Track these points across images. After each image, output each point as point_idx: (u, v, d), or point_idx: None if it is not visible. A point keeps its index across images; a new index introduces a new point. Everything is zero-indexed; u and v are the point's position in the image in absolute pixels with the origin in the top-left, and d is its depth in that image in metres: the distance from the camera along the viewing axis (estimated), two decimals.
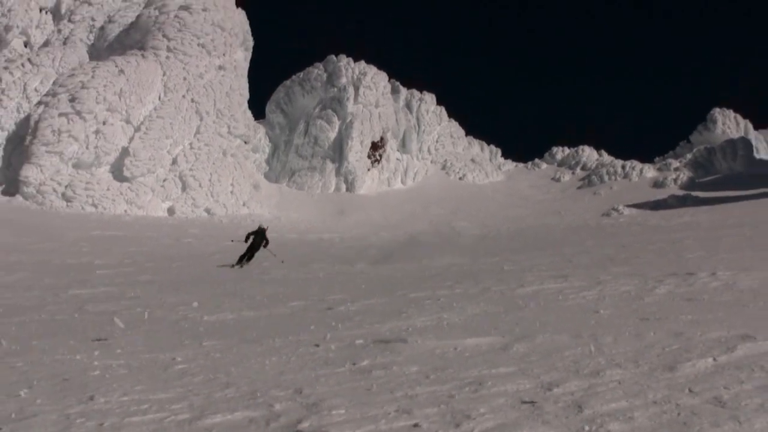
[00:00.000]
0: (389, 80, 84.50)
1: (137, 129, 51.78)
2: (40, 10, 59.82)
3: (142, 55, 55.16)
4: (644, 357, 6.51)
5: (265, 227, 22.50)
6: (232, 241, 25.77)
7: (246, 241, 21.76)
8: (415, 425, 4.56)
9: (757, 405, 4.73)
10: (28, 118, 49.52)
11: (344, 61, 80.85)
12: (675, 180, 77.54)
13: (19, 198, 44.65)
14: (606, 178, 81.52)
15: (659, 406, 4.82)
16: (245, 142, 62.95)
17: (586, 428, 4.40)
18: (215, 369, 6.77)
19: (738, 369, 5.85)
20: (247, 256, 21.18)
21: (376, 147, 77.86)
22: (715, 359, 6.24)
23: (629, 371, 5.96)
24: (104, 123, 49.88)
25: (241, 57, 64.34)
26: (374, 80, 79.47)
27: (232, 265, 21.18)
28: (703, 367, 6.01)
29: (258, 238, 21.39)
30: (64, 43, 58.04)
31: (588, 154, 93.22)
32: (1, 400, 5.58)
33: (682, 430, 4.30)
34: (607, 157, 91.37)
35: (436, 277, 17.09)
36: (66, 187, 46.31)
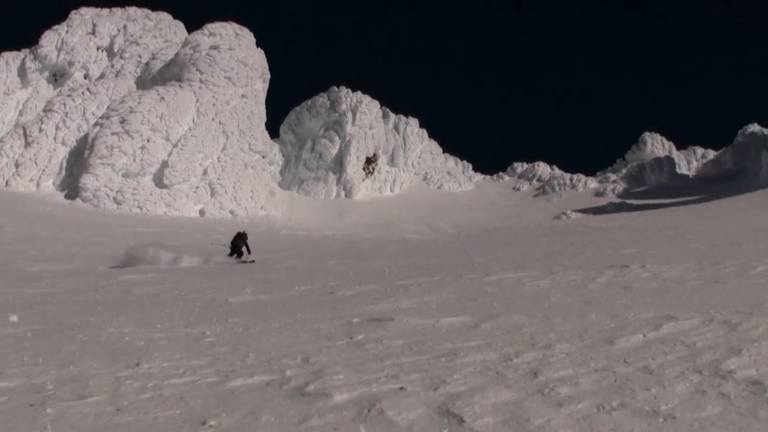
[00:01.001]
0: (381, 107, 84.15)
1: (175, 145, 51.83)
2: (97, 49, 60.39)
3: (179, 86, 55.16)
4: (587, 333, 6.51)
5: (245, 233, 22.58)
6: (212, 243, 25.76)
7: (231, 244, 22.07)
8: (401, 388, 4.55)
9: (678, 372, 4.75)
10: (86, 136, 50.04)
11: (344, 91, 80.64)
12: (613, 190, 77.69)
13: (78, 201, 45.00)
14: (557, 188, 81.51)
15: (600, 374, 4.83)
16: (263, 157, 62.80)
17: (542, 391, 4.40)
18: (238, 341, 6.75)
19: (663, 343, 5.86)
20: (235, 254, 21.72)
21: (370, 161, 77.73)
22: (644, 335, 6.26)
23: (575, 345, 5.96)
24: (148, 140, 50.07)
25: (260, 87, 64.21)
26: (368, 107, 79.28)
27: (229, 255, 21.75)
28: (635, 341, 6.02)
29: (240, 241, 21.78)
30: (116, 76, 58.18)
31: (542, 168, 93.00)
32: (64, 365, 5.57)
33: (618, 392, 4.32)
34: (558, 171, 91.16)
35: (418, 267, 17.05)
36: (117, 192, 46.50)
